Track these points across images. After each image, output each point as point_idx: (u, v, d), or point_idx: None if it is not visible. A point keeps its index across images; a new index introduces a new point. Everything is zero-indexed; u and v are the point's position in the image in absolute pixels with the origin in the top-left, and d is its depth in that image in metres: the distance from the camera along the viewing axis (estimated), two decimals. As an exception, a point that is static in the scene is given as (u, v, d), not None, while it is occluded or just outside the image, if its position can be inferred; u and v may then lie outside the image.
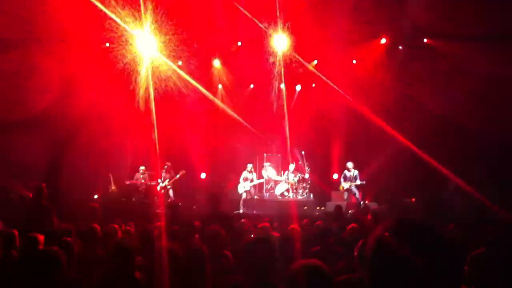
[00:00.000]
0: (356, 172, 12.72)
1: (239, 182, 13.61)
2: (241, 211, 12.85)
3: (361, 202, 12.21)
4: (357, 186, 12.68)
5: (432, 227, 1.33)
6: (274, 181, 14.60)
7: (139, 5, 12.43)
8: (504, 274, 2.73)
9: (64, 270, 3.06)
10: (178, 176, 13.39)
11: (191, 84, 15.43)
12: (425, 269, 1.25)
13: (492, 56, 11.42)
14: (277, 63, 14.32)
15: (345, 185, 12.81)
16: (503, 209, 10.52)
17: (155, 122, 14.71)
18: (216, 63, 15.49)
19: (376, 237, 1.34)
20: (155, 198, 13.53)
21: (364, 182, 12.63)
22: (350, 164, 12.84)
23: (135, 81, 14.44)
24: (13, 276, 3.60)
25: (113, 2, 11.93)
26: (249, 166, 13.62)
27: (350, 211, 11.48)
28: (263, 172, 14.43)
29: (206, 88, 15.88)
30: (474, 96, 12.29)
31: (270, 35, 13.74)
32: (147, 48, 14.22)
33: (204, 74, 15.70)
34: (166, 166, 13.53)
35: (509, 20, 10.87)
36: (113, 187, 13.47)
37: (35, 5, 11.34)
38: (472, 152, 12.39)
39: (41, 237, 4.31)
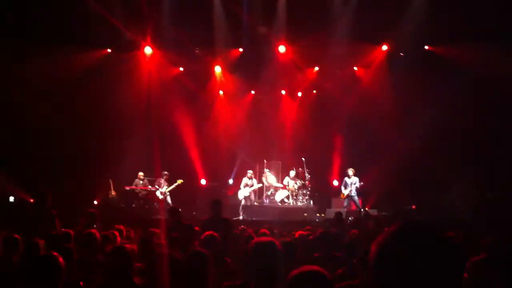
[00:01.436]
0: (357, 179, 12.72)
1: (239, 188, 13.61)
2: (240, 217, 12.83)
3: (361, 210, 12.19)
4: (357, 192, 12.68)
5: (435, 232, 1.33)
6: (274, 187, 14.57)
7: (142, 11, 12.49)
8: (505, 281, 2.72)
9: (64, 275, 3.05)
10: (175, 185, 13.39)
11: (192, 90, 15.50)
12: (429, 275, 1.24)
13: (494, 61, 11.46)
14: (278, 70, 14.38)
15: (345, 192, 12.81)
16: (503, 212, 10.52)
17: (155, 128, 14.76)
18: (218, 69, 15.52)
19: (380, 243, 1.33)
20: (155, 204, 13.52)
21: (362, 183, 12.63)
22: (350, 171, 12.83)
23: (138, 87, 14.50)
24: (14, 281, 3.59)
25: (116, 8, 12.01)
26: (249, 172, 13.63)
27: (350, 218, 11.46)
28: (263, 179, 14.42)
29: (207, 94, 15.94)
30: (475, 101, 12.31)
31: (271, 41, 13.81)
32: (149, 53, 14.31)
33: (205, 80, 15.75)
34: (164, 174, 13.51)
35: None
36: (113, 193, 13.45)
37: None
38: (472, 156, 12.40)
39: (42, 242, 4.30)
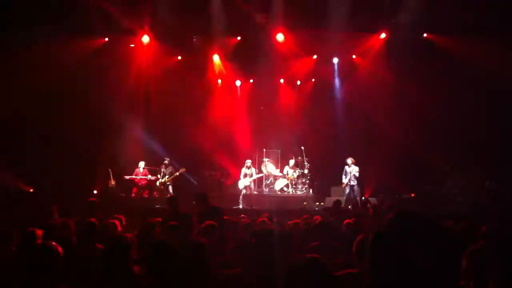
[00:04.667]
0: (356, 168, 12.75)
1: (239, 178, 13.62)
2: (240, 206, 12.86)
3: (363, 198, 12.21)
4: (356, 180, 12.71)
5: (432, 221, 1.32)
6: (273, 176, 14.59)
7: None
8: (503, 268, 2.72)
9: (61, 264, 3.05)
10: (178, 173, 13.40)
11: (191, 79, 15.41)
12: (425, 263, 1.24)
13: (492, 51, 11.41)
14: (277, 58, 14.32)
15: (345, 181, 12.85)
16: (501, 203, 10.57)
17: (154, 117, 14.75)
18: (216, 58, 15.45)
19: (377, 231, 1.33)
20: (154, 193, 13.55)
21: (361, 171, 12.67)
22: (349, 160, 12.85)
23: (136, 76, 14.44)
24: (12, 271, 3.60)
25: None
26: (248, 162, 13.61)
27: (349, 206, 11.49)
28: (263, 168, 14.43)
29: (206, 83, 15.86)
30: (473, 91, 12.28)
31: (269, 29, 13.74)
32: (147, 43, 14.21)
33: (203, 69, 15.67)
34: (165, 162, 13.55)
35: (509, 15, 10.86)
36: (113, 182, 13.46)
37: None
38: (470, 147, 12.41)
39: (39, 232, 4.29)
